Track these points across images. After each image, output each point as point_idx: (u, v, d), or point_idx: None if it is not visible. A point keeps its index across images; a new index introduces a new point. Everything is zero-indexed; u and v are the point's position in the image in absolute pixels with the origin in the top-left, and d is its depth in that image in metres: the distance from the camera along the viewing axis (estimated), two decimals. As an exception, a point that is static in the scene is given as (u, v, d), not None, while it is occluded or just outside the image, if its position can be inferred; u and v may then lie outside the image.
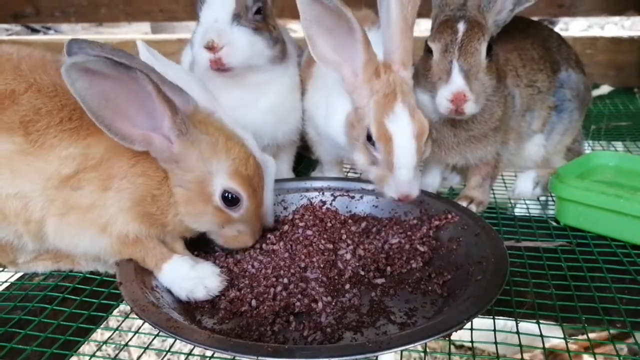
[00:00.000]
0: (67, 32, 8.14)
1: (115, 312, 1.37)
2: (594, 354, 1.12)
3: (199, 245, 1.44)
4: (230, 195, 1.27)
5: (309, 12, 1.37)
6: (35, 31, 8.12)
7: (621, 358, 1.11)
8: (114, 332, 1.30)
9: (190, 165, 1.24)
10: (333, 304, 1.22)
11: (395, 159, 1.39)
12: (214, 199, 1.27)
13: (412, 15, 1.42)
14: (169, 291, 1.27)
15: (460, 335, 1.22)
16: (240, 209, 1.30)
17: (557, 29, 1.99)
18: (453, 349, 2.41)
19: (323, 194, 1.64)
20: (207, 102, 1.38)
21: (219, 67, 1.55)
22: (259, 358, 0.99)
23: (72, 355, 1.21)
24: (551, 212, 1.76)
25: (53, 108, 1.23)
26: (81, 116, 1.22)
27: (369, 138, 1.42)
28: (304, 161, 2.26)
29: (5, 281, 1.46)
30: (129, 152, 1.22)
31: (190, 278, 1.25)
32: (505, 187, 1.97)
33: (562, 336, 1.20)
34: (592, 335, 1.19)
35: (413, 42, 1.47)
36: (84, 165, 1.21)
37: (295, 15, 1.61)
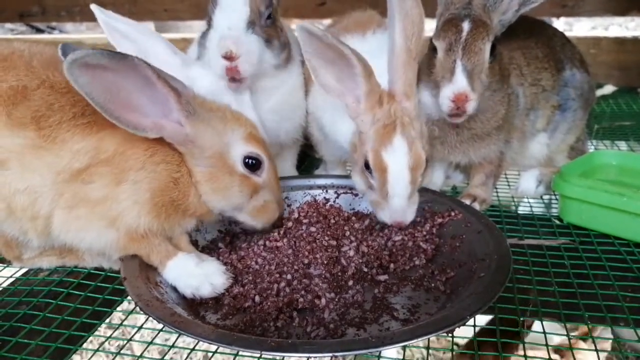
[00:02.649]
0: (72, 32, 8.17)
1: (118, 308, 1.38)
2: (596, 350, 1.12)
3: (203, 242, 1.45)
4: (251, 161, 1.32)
5: (309, 45, 1.38)
6: (39, 31, 8.15)
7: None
8: (118, 327, 1.30)
9: (206, 142, 1.27)
10: (336, 300, 1.23)
11: (389, 188, 1.41)
12: (238, 168, 1.31)
13: (416, 47, 1.42)
14: (173, 287, 1.28)
15: (464, 333, 1.22)
16: (263, 172, 1.35)
17: (559, 29, 1.99)
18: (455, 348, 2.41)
19: (327, 191, 1.65)
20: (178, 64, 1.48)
21: (234, 75, 1.56)
22: (263, 352, 1.00)
23: (76, 350, 1.22)
24: (554, 211, 1.76)
25: (66, 104, 1.23)
26: (94, 111, 1.23)
27: (366, 165, 1.44)
28: (308, 159, 2.27)
29: (11, 276, 1.46)
30: (144, 143, 1.24)
31: (196, 275, 1.26)
32: (509, 185, 1.97)
33: (565, 333, 1.20)
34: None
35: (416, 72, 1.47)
36: (96, 159, 1.22)
37: (298, 15, 1.62)
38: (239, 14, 1.58)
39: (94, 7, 1.51)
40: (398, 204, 1.42)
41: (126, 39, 1.53)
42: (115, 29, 1.53)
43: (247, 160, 1.31)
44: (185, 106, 1.22)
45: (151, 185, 1.24)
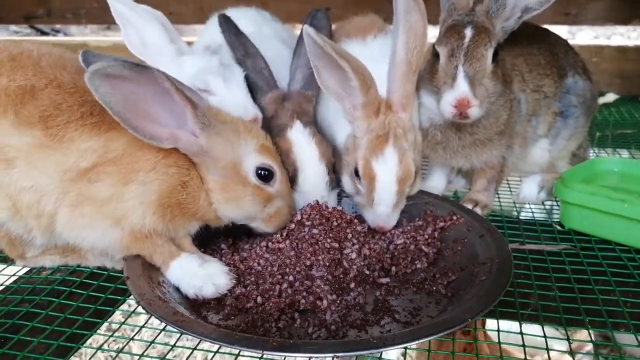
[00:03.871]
0: (76, 35, 8.19)
1: (120, 308, 1.38)
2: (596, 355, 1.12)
3: (205, 243, 1.45)
4: (263, 172, 1.34)
5: (313, 49, 1.39)
6: (44, 34, 8.18)
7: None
8: (121, 325, 1.30)
9: (220, 154, 1.29)
10: (338, 302, 1.23)
11: (376, 196, 1.44)
12: (251, 179, 1.33)
13: (417, 60, 1.43)
14: (176, 287, 1.28)
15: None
16: (276, 182, 1.37)
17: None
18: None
19: (329, 194, 1.65)
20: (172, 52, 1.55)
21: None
22: (265, 352, 1.00)
23: (78, 348, 1.22)
24: (556, 216, 1.77)
25: (74, 104, 1.24)
26: (103, 111, 1.25)
27: (356, 172, 1.47)
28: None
29: (13, 274, 1.47)
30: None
31: (199, 276, 1.26)
32: (511, 192, 1.97)
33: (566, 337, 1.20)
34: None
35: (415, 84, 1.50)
36: (104, 158, 1.23)
37: (303, 20, 1.64)
38: None
39: None
40: (383, 212, 1.46)
41: (129, 22, 1.57)
42: (120, 12, 1.57)
43: (259, 171, 1.34)
44: (201, 118, 1.24)
45: (161, 187, 1.25)
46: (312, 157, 1.53)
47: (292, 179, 1.51)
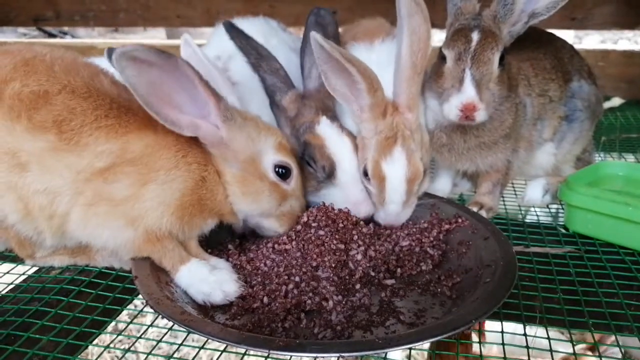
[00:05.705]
0: (84, 37, 8.27)
1: (128, 308, 1.39)
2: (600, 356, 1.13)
3: (212, 243, 1.47)
4: (281, 170, 1.38)
5: (320, 53, 1.42)
6: (52, 36, 8.25)
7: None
8: (128, 325, 1.32)
9: (240, 147, 1.32)
10: (343, 302, 1.24)
11: (386, 196, 1.48)
12: (269, 175, 1.36)
13: (422, 62, 1.46)
14: (184, 288, 1.30)
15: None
16: (292, 180, 1.41)
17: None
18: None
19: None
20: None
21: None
22: (271, 352, 1.02)
23: (86, 347, 1.23)
24: (561, 220, 1.77)
25: (87, 107, 1.25)
26: (118, 115, 1.26)
27: (365, 172, 1.50)
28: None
29: (23, 274, 1.49)
30: (175, 145, 1.27)
31: (209, 282, 1.27)
32: (516, 195, 1.98)
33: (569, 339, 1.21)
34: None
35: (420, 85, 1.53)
36: (121, 159, 1.23)
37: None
38: None
39: (185, 37, 1.55)
40: (393, 210, 1.50)
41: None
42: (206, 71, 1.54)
43: (277, 169, 1.37)
44: (223, 111, 1.27)
45: (185, 184, 1.27)
46: (347, 150, 1.54)
47: (330, 174, 1.53)
